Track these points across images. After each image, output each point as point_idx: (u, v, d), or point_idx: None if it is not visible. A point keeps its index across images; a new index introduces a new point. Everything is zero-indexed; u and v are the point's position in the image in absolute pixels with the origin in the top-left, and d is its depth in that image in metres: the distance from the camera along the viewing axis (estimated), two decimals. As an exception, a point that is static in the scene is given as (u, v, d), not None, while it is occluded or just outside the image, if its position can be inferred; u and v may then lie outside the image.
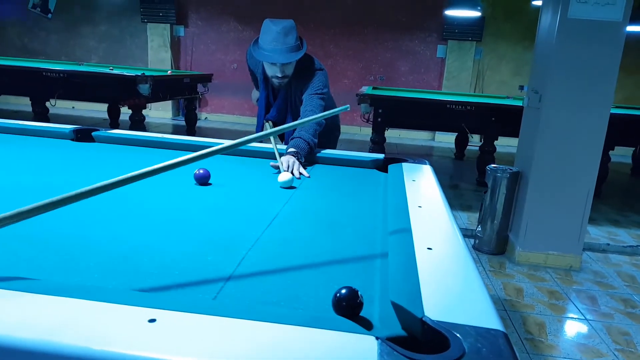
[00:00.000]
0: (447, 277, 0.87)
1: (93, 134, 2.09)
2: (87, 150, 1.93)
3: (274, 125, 2.40)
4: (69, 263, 0.91)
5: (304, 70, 2.21)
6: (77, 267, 0.89)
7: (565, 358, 2.12)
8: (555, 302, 2.62)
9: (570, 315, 2.53)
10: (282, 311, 0.73)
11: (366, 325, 0.76)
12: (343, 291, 0.78)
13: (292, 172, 1.71)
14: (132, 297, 0.73)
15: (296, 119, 2.25)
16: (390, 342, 0.71)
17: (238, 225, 1.20)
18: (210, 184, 1.53)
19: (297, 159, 1.80)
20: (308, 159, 1.93)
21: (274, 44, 2.07)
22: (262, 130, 2.40)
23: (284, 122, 2.32)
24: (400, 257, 0.94)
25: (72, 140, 2.08)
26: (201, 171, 1.51)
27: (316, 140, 2.00)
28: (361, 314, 0.79)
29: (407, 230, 1.08)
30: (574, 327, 2.41)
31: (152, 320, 0.67)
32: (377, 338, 0.67)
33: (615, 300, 2.69)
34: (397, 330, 0.75)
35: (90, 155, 1.86)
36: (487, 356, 0.65)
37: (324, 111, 2.15)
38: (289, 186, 1.56)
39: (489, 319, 0.73)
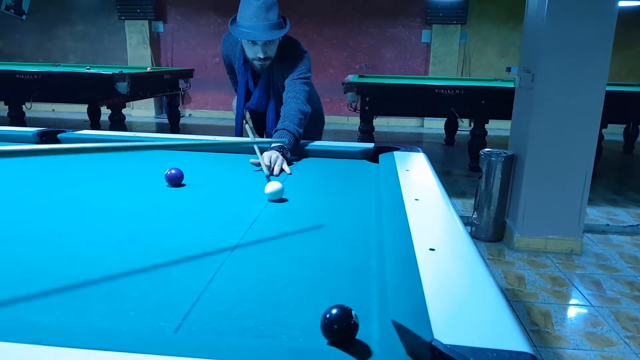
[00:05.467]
0: (455, 286, 0.73)
1: (59, 135, 1.93)
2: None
3: (252, 116, 2.23)
4: (4, 290, 0.76)
5: (288, 52, 2.03)
6: (14, 295, 0.75)
7: (574, 349, 2.01)
8: (559, 289, 2.52)
9: (576, 302, 2.42)
10: (257, 344, 0.60)
11: (363, 352, 0.62)
12: (333, 311, 0.64)
13: (272, 169, 1.56)
14: (67, 334, 0.59)
15: (279, 107, 2.09)
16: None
17: (213, 232, 1.05)
18: (183, 185, 1.38)
19: (282, 154, 1.64)
20: (293, 152, 1.78)
21: (255, 20, 1.87)
22: (241, 129, 2.23)
23: (266, 111, 2.15)
24: (399, 262, 0.81)
25: (37, 143, 1.92)
26: (173, 171, 1.36)
27: (302, 131, 1.85)
28: (357, 336, 0.65)
29: (404, 229, 0.94)
30: (580, 315, 2.31)
31: (92, 367, 0.53)
32: (377, 374, 0.54)
33: (620, 283, 2.59)
34: (402, 356, 0.61)
35: (52, 159, 1.69)
36: (516, 390, 0.52)
37: (309, 97, 2.00)
38: (278, 198, 1.28)
39: (511, 338, 0.60)
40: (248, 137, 1.81)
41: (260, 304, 0.75)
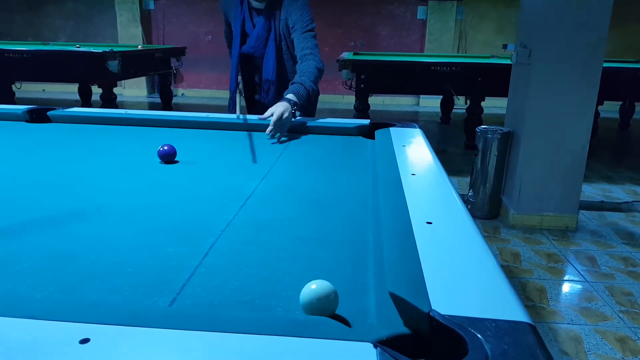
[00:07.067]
0: (453, 257, 0.73)
1: (48, 113, 1.89)
2: (42, 131, 1.74)
3: (250, 59, 2.12)
4: (-4, 267, 0.75)
5: None
6: (6, 272, 0.73)
7: (569, 324, 2.03)
8: (554, 265, 2.53)
9: (570, 278, 2.44)
10: (253, 317, 0.59)
11: (360, 324, 0.62)
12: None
13: (274, 125, 1.62)
14: (60, 309, 0.58)
15: (279, 52, 2.03)
16: (393, 344, 0.58)
17: (207, 208, 1.04)
18: (176, 162, 1.36)
19: (292, 110, 1.68)
20: (289, 129, 1.76)
21: None
22: (234, 102, 2.19)
23: (263, 56, 2.05)
24: (396, 236, 0.80)
25: (27, 121, 1.88)
26: (166, 147, 1.34)
27: (316, 88, 1.89)
28: (355, 307, 0.65)
29: (401, 203, 0.93)
30: (575, 291, 2.32)
31: (84, 341, 0.52)
32: (375, 345, 0.53)
33: (615, 259, 2.61)
34: (399, 327, 0.61)
35: (44, 137, 1.67)
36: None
37: (319, 52, 1.98)
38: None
39: (510, 308, 0.60)
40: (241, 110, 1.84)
41: (256, 278, 0.74)
